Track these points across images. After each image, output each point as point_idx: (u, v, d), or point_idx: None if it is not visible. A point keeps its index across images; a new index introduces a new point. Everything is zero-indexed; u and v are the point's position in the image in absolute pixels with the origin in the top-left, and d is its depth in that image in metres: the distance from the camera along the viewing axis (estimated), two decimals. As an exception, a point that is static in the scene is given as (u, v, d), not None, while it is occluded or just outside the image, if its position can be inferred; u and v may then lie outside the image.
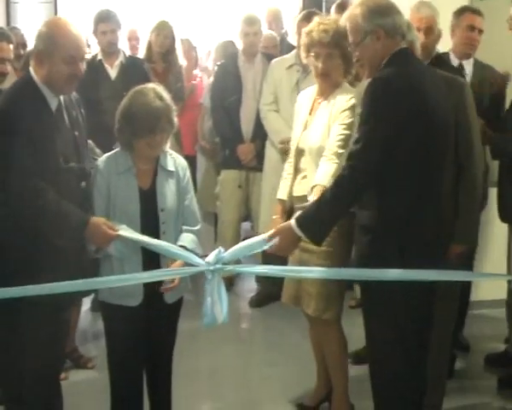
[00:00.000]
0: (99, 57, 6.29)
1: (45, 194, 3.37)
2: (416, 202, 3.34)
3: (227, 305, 3.45)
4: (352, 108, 4.18)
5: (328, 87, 4.33)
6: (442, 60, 4.75)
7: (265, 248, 3.48)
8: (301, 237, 3.40)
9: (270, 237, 3.45)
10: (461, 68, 5.33)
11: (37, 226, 3.36)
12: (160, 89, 3.76)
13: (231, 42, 7.26)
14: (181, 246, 3.66)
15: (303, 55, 4.46)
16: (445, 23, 5.41)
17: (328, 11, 7.36)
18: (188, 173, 3.88)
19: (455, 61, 5.38)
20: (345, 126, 4.15)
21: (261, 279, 6.65)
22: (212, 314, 3.42)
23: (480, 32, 5.34)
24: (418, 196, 3.35)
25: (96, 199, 3.67)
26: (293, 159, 4.43)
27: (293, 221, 3.41)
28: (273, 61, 6.29)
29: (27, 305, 3.27)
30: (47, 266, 3.34)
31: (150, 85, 3.80)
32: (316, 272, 4.00)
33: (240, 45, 6.68)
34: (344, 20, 3.54)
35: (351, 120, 4.15)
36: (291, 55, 6.11)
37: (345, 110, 4.19)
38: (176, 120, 3.75)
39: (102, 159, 3.80)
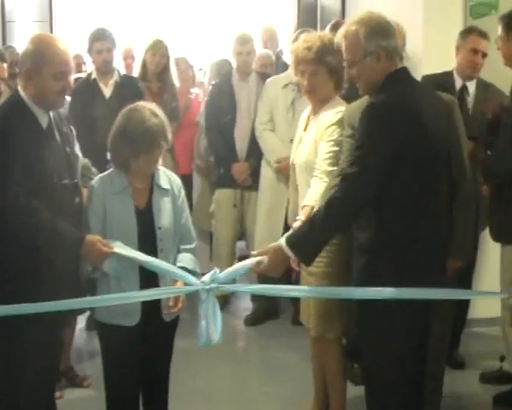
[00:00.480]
0: (94, 76, 6.28)
1: (38, 213, 3.37)
2: (413, 222, 3.34)
3: (221, 325, 3.46)
4: (339, 122, 4.17)
5: (317, 103, 4.36)
6: None
7: (254, 263, 3.47)
8: (291, 256, 3.39)
9: (260, 256, 3.44)
10: (464, 89, 5.39)
11: (31, 245, 3.35)
12: (153, 106, 3.77)
13: (226, 60, 7.24)
14: (181, 267, 3.66)
15: (293, 73, 4.48)
16: (445, 42, 5.46)
17: (323, 29, 7.39)
18: (182, 191, 3.89)
19: (458, 82, 5.41)
20: (332, 143, 4.16)
21: (256, 298, 6.63)
22: (207, 335, 3.42)
23: (484, 55, 5.35)
24: (415, 216, 3.34)
25: (92, 220, 3.66)
26: (291, 176, 4.47)
27: (283, 241, 3.40)
28: (268, 80, 6.30)
29: (21, 323, 3.27)
30: (43, 285, 3.34)
31: (142, 103, 3.82)
32: (310, 291, 4.01)
33: (234, 64, 6.69)
34: (340, 37, 3.53)
35: (337, 134, 4.15)
36: (286, 74, 6.10)
37: (330, 125, 4.20)
38: (170, 135, 3.76)
39: (97, 179, 3.80)
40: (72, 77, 3.86)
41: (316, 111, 4.37)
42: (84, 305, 3.85)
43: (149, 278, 3.63)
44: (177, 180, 3.90)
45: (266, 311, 6.52)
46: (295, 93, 5.94)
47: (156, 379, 3.89)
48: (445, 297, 3.67)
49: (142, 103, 3.82)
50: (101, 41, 6.21)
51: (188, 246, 3.84)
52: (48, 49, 3.50)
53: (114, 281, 3.63)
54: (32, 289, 3.35)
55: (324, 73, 4.26)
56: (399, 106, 3.30)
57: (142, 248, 3.61)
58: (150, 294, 3.55)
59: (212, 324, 3.41)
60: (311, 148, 4.29)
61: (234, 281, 3.74)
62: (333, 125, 4.19)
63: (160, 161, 3.83)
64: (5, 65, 4.42)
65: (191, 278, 3.53)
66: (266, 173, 6.22)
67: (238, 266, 3.60)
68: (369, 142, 3.28)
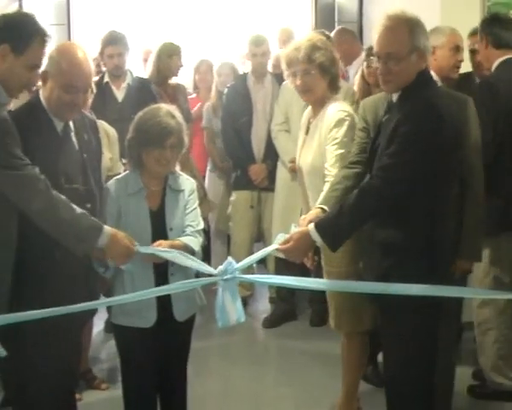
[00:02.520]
0: (106, 79, 6.28)
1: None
2: (442, 221, 3.35)
3: (241, 305, 3.47)
4: (340, 122, 4.18)
5: (314, 104, 4.38)
6: None
7: (276, 247, 3.49)
8: (316, 242, 3.37)
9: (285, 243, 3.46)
10: None
11: (49, 240, 3.33)
12: (173, 108, 3.80)
13: (229, 63, 7.20)
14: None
15: (286, 77, 4.50)
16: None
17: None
18: (195, 191, 3.89)
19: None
20: (337, 146, 4.16)
21: (275, 300, 6.64)
22: (226, 315, 3.43)
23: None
24: (435, 215, 3.33)
25: (108, 221, 3.67)
26: (299, 179, 4.51)
27: (311, 225, 3.39)
28: (285, 82, 6.30)
29: (36, 326, 3.26)
30: (57, 284, 3.35)
31: (163, 104, 3.86)
32: (330, 284, 4.08)
33: (248, 66, 6.70)
34: (381, 29, 3.42)
35: (341, 135, 4.15)
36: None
37: (332, 128, 4.19)
38: (186, 139, 3.78)
39: (112, 181, 3.82)
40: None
41: (315, 113, 4.38)
42: (103, 305, 3.87)
43: (161, 274, 3.66)
44: (190, 181, 3.92)
45: (284, 313, 6.51)
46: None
47: (174, 380, 3.91)
48: (471, 296, 3.70)
49: (162, 104, 3.87)
50: (112, 45, 6.23)
51: (193, 228, 3.80)
52: (65, 58, 3.49)
53: (129, 279, 3.64)
54: (47, 289, 3.38)
55: (315, 71, 4.26)
56: (442, 108, 3.29)
57: (155, 249, 3.61)
58: (169, 288, 3.56)
59: (230, 305, 3.42)
60: (316, 151, 4.29)
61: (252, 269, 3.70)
62: (334, 126, 4.19)
63: (178, 167, 3.85)
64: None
65: (209, 269, 3.55)
66: (281, 174, 6.26)
67: (255, 255, 3.68)
68: (416, 137, 3.24)
